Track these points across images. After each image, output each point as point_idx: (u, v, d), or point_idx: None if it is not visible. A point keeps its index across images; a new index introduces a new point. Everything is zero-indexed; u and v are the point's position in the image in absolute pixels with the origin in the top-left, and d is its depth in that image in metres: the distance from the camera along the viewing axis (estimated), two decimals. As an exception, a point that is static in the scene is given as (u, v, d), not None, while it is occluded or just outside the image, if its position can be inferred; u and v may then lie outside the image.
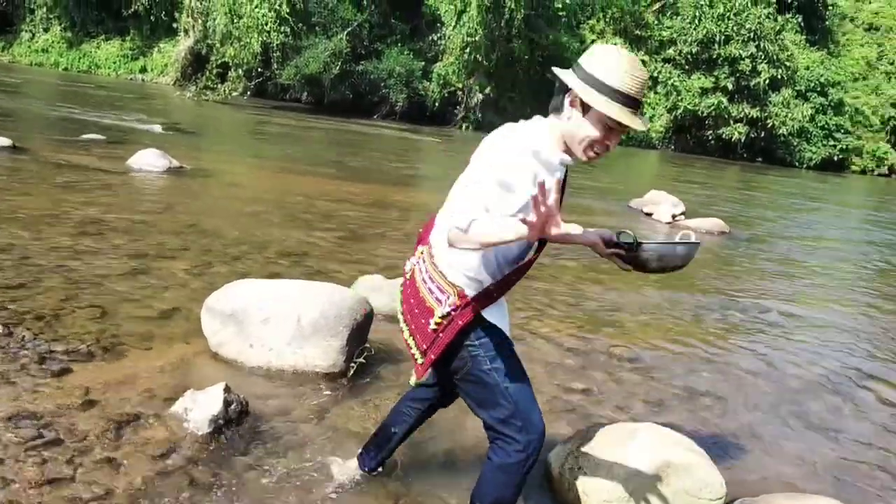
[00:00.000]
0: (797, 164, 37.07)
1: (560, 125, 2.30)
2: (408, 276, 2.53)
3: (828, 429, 4.31)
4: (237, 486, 2.89)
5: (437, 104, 31.17)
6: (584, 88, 2.20)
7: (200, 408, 3.21)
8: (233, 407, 3.30)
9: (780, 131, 35.85)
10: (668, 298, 6.90)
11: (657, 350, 5.28)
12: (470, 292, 2.35)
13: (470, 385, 2.44)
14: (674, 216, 11.64)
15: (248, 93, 29.80)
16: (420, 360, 2.44)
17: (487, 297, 2.37)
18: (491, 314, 2.41)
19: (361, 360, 4.01)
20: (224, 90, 28.07)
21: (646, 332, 5.64)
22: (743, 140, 35.61)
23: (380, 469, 3.04)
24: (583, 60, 2.25)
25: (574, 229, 2.14)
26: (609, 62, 2.20)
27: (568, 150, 2.33)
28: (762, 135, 36.01)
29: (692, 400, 4.39)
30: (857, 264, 10.77)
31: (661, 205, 12.03)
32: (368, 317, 4.18)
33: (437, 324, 2.36)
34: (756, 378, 5.03)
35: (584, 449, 3.03)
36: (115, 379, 3.58)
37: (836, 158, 37.78)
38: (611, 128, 2.23)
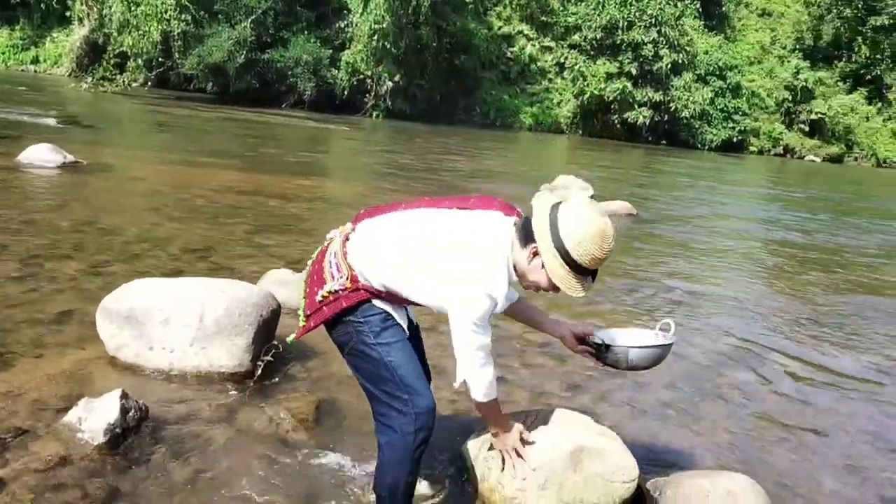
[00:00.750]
0: (699, 145, 38.19)
1: (519, 257, 2.43)
2: (326, 242, 2.66)
3: (736, 403, 4.42)
4: (136, 495, 2.75)
5: (346, 92, 30.77)
6: (550, 252, 2.34)
7: (96, 416, 3.04)
8: (131, 414, 3.14)
9: (683, 114, 36.85)
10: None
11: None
12: (366, 284, 2.50)
13: (356, 360, 2.54)
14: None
15: (150, 83, 28.80)
16: (302, 323, 2.60)
17: (377, 295, 2.53)
18: (385, 305, 2.53)
19: (269, 358, 3.88)
20: (123, 81, 27.05)
21: (556, 314, 5.67)
22: (647, 123, 36.44)
23: None
24: (560, 217, 2.36)
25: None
26: (580, 233, 2.33)
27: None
28: (665, 118, 36.95)
29: (603, 382, 4.43)
30: (756, 241, 11.15)
31: (571, 188, 12.17)
32: (275, 313, 4.05)
33: (323, 297, 2.51)
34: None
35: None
36: (0, 391, 3.36)
37: (735, 140, 39.08)
38: (554, 287, 2.40)
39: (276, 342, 3.99)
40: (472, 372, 2.46)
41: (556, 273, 2.36)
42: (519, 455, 2.82)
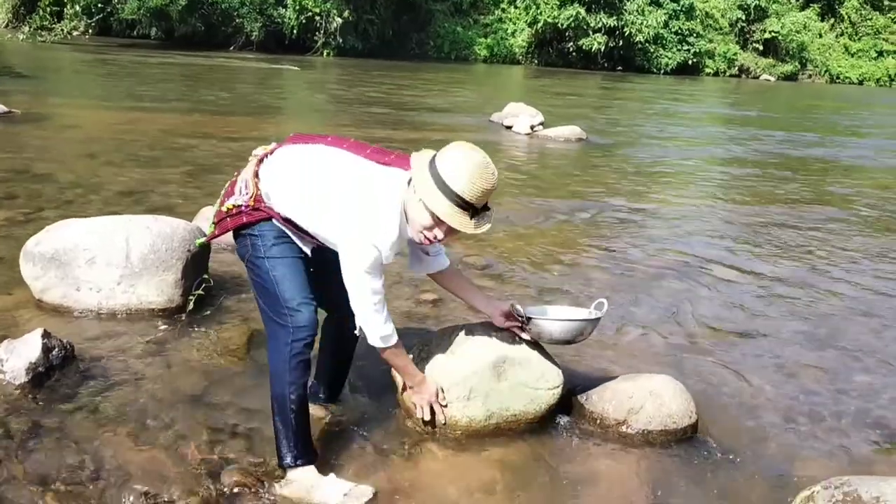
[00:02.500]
0: (655, 70, 38.13)
1: (408, 199, 2.45)
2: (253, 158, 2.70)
3: (670, 311, 4.50)
4: (61, 430, 2.74)
5: (295, 31, 30.07)
6: (424, 182, 2.36)
7: (16, 357, 3.00)
8: (55, 352, 3.11)
9: (637, 39, 36.66)
10: (524, 206, 6.99)
11: (510, 256, 5.35)
12: (268, 205, 2.57)
13: (250, 271, 2.64)
14: (532, 127, 11.76)
15: (90, 32, 27.80)
16: (210, 230, 2.72)
17: (277, 218, 2.59)
18: (285, 228, 2.59)
19: (200, 292, 3.85)
20: (62, 30, 26.07)
21: (500, 241, 5.70)
22: (602, 50, 36.24)
23: (332, 397, 3.10)
24: (439, 156, 2.40)
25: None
26: (458, 165, 2.35)
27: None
28: (620, 43, 36.73)
29: (539, 299, 4.47)
30: (705, 160, 11.25)
31: (520, 116, 12.12)
32: (204, 247, 4.00)
33: (228, 209, 2.61)
34: (604, 271, 5.19)
35: (423, 354, 3.03)
36: (-78, 337, 3.31)
37: (690, 62, 39.06)
38: (438, 222, 2.39)
39: (206, 276, 3.96)
40: (367, 318, 2.52)
41: (440, 207, 2.35)
42: (433, 415, 2.86)
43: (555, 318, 2.97)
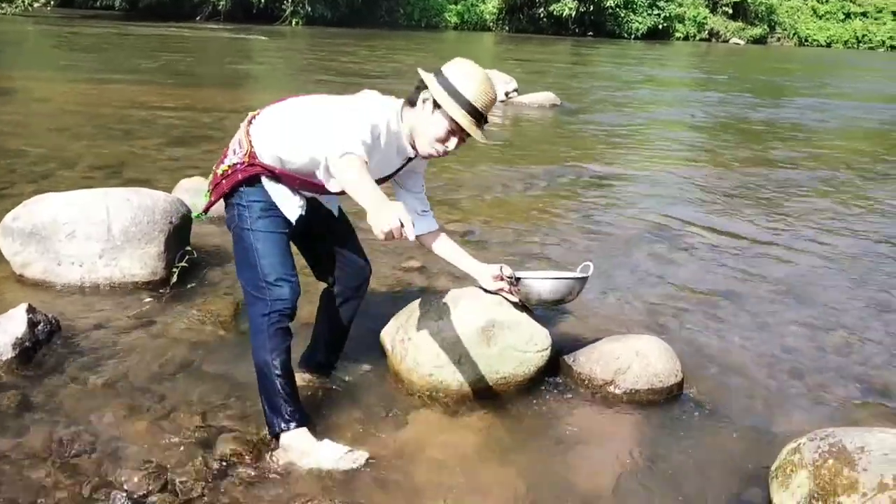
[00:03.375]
0: (626, 35, 38.11)
1: (411, 117, 2.50)
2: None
3: (651, 274, 4.55)
4: (50, 404, 2.72)
5: (262, 1, 29.63)
6: (440, 92, 2.40)
7: (2, 332, 2.97)
8: (40, 327, 3.08)
9: (608, 3, 36.58)
10: (503, 173, 7.00)
11: (490, 222, 5.37)
12: (261, 160, 2.54)
13: (235, 242, 2.62)
14: (507, 94, 11.73)
15: (52, 3, 27.27)
16: (206, 198, 2.70)
17: (274, 177, 2.56)
18: (275, 192, 2.57)
19: (184, 264, 3.83)
20: (23, 1, 25.54)
21: (479, 207, 5.71)
22: (573, 15, 36.12)
23: (325, 367, 3.06)
24: (445, 69, 2.46)
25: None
26: (467, 76, 2.42)
27: (412, 143, 2.56)
28: (591, 8, 36.64)
29: (521, 264, 4.50)
30: (677, 123, 11.31)
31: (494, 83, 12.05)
32: (186, 218, 3.98)
33: (223, 171, 2.59)
34: (584, 236, 5.23)
35: (411, 320, 3.04)
36: None
37: (661, 27, 39.08)
38: (453, 131, 2.46)
39: (189, 248, 3.93)
40: (345, 140, 2.23)
41: (458, 115, 2.40)
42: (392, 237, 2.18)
43: (546, 277, 2.99)
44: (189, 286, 3.82)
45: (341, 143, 2.21)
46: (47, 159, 6.16)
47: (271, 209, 2.56)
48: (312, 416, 2.70)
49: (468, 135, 2.48)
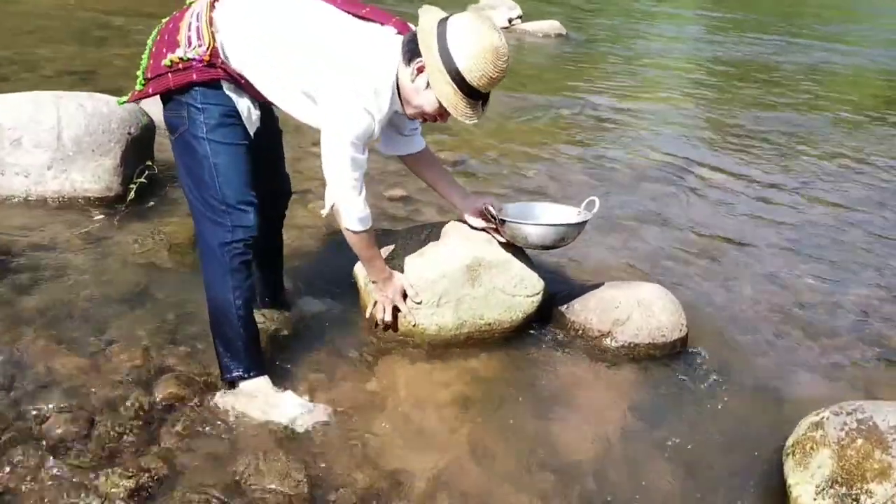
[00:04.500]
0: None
1: (403, 77, 2.09)
2: (189, 2, 2.22)
3: (656, 216, 4.21)
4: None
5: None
6: (436, 66, 2.01)
7: (-77, 246, 2.63)
8: (-30, 242, 2.73)
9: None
10: (501, 101, 6.54)
11: (483, 151, 4.99)
12: (227, 63, 2.09)
13: (181, 150, 2.18)
14: (510, 20, 11.16)
15: None
16: (139, 87, 2.17)
17: (237, 84, 2.13)
18: (238, 100, 2.15)
19: (142, 180, 3.46)
20: None
21: (473, 135, 5.31)
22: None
23: (272, 300, 2.72)
24: (449, 30, 2.02)
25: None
26: (471, 47, 2.00)
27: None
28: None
29: (516, 199, 4.14)
30: (687, 60, 10.79)
31: (498, 9, 11.49)
32: (147, 129, 3.59)
33: (171, 62, 2.07)
34: (584, 171, 4.87)
35: (389, 255, 2.70)
36: None
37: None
38: (442, 113, 2.12)
39: (150, 163, 3.55)
40: (346, 195, 2.15)
41: (444, 93, 2.03)
42: (394, 318, 2.57)
43: (533, 223, 2.62)
44: (147, 205, 3.46)
45: (355, 158, 2.10)
46: (9, 61, 5.69)
47: (233, 116, 2.14)
48: (270, 357, 2.38)
49: None
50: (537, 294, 2.72)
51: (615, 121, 6.42)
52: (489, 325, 2.67)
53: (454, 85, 2.02)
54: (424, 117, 2.18)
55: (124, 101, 2.33)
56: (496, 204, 2.63)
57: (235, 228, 2.14)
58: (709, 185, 4.87)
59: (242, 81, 2.12)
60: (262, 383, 2.24)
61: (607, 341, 2.74)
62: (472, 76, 2.01)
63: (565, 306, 2.84)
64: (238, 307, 2.18)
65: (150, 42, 2.19)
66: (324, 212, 2.26)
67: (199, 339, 2.48)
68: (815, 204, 4.73)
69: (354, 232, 2.25)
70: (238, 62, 2.09)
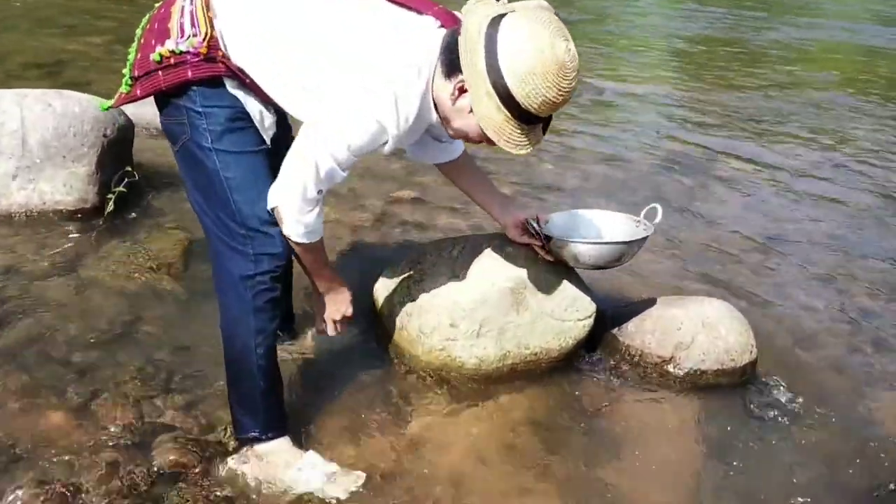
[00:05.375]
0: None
1: (440, 91, 1.66)
2: None
3: (688, 213, 3.85)
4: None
5: None
6: (482, 87, 1.56)
7: None
8: (-79, 273, 2.32)
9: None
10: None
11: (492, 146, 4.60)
12: (228, 55, 1.70)
13: (186, 164, 1.81)
14: (498, -1, 10.76)
15: None
16: (124, 89, 1.79)
17: (239, 80, 1.73)
18: (246, 100, 1.75)
19: (122, 189, 3.05)
20: None
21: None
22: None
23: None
24: (501, 36, 1.54)
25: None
26: (528, 61, 1.53)
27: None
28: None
29: (536, 196, 3.78)
30: (684, 38, 10.42)
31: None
32: (125, 130, 3.17)
33: (161, 56, 1.70)
34: (601, 163, 4.51)
35: (415, 274, 2.32)
36: None
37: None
38: (488, 139, 1.65)
39: (130, 168, 3.14)
40: (295, 201, 1.67)
41: (491, 120, 1.60)
42: (337, 331, 2.05)
43: (587, 241, 2.25)
44: (129, 216, 3.05)
45: (332, 169, 1.66)
46: (-31, 53, 5.24)
47: (242, 119, 1.77)
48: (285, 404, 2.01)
49: None
50: (589, 317, 2.36)
51: (618, 105, 6.06)
52: (535, 354, 2.30)
53: (506, 111, 1.58)
54: (466, 140, 1.79)
55: (108, 106, 1.94)
56: (541, 216, 2.26)
57: (260, 258, 1.75)
58: (736, 174, 4.53)
59: (247, 80, 1.73)
60: (281, 445, 1.86)
61: (669, 368, 2.38)
62: (528, 100, 1.57)
63: (617, 329, 2.47)
64: (260, 355, 1.80)
65: (139, 32, 1.81)
66: (268, 205, 1.74)
67: (201, 384, 2.12)
68: (854, 193, 4.38)
69: (300, 244, 1.77)
70: (239, 58, 1.71)
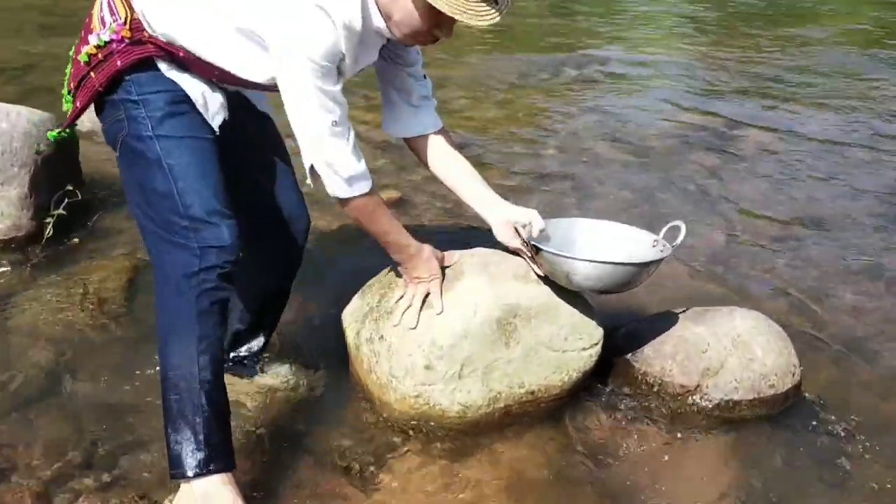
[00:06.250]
0: None
1: None
2: None
3: (708, 196, 3.45)
4: None
5: None
6: None
7: None
8: None
9: None
10: (500, 65, 5.77)
11: (491, 130, 4.21)
12: (152, 31, 1.57)
13: (126, 160, 1.63)
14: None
15: None
16: (67, 106, 1.69)
17: (176, 61, 1.61)
18: (184, 81, 1.61)
19: (61, 211, 2.69)
20: None
21: (477, 110, 4.56)
22: None
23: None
24: None
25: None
26: None
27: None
28: None
29: (542, 188, 3.39)
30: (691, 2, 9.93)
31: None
32: (64, 144, 2.81)
33: (89, 55, 1.59)
34: (610, 144, 4.10)
35: (385, 303, 1.94)
36: None
37: None
38: (437, 23, 1.53)
39: (71, 187, 2.77)
40: (324, 145, 1.57)
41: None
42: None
43: (586, 259, 1.84)
44: (70, 242, 2.71)
45: (324, 93, 1.52)
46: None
47: (183, 102, 1.62)
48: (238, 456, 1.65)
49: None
50: (595, 345, 1.97)
51: (626, 76, 5.63)
52: (532, 393, 1.92)
53: None
54: (418, 39, 1.60)
55: (56, 135, 1.90)
56: (535, 222, 1.87)
57: (205, 251, 1.55)
58: (760, 147, 4.10)
59: (181, 54, 1.58)
60: (220, 484, 1.51)
61: (695, 399, 2.00)
62: None
63: (631, 353, 2.08)
64: (202, 367, 1.52)
65: (72, 49, 1.68)
66: (308, 181, 1.65)
67: (134, 454, 1.76)
68: (891, 161, 3.95)
69: (350, 199, 1.63)
70: (164, 25, 1.56)
